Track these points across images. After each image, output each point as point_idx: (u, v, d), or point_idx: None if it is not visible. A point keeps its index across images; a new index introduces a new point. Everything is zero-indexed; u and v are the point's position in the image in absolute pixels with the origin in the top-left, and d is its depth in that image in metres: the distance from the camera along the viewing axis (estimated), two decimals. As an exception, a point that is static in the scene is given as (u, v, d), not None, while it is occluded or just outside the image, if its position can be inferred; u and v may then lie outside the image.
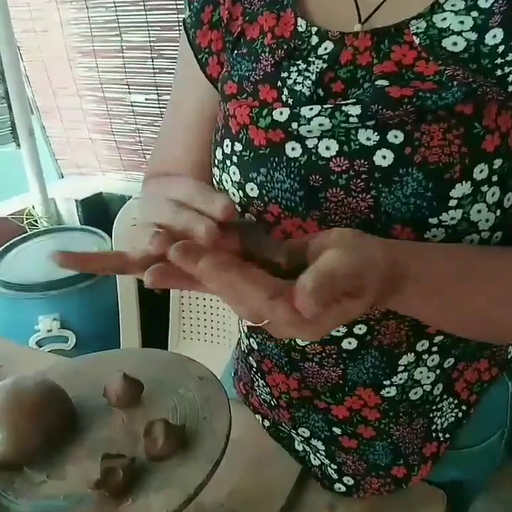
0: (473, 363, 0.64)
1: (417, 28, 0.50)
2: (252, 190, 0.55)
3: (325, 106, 0.50)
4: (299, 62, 0.54)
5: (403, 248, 0.45)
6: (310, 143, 0.51)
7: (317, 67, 0.53)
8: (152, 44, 1.92)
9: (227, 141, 0.57)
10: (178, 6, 1.79)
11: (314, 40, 0.54)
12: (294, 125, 0.51)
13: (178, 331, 1.72)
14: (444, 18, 0.49)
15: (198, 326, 1.71)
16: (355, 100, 0.49)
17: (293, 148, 0.52)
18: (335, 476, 0.67)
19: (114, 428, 0.52)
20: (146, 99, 2.05)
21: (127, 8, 1.90)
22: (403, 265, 0.42)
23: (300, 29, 0.55)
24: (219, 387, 0.55)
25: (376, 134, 0.49)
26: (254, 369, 0.71)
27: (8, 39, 1.95)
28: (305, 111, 0.50)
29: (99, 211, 2.20)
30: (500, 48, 0.47)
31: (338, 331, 0.58)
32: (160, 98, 2.01)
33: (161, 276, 0.38)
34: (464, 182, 0.47)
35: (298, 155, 0.52)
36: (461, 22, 0.49)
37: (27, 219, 2.16)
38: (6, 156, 2.23)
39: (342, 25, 0.53)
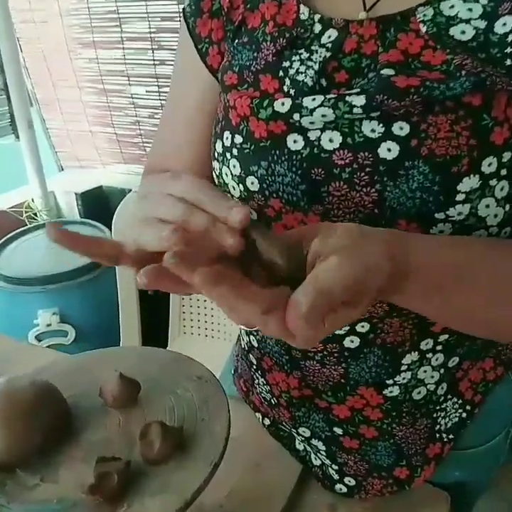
0: (479, 362, 0.62)
1: (424, 15, 0.48)
2: (253, 184, 0.54)
3: (328, 96, 0.48)
4: (302, 51, 0.52)
5: (405, 240, 0.43)
6: (312, 135, 0.50)
7: (320, 56, 0.51)
8: (152, 35, 1.90)
9: (227, 134, 0.56)
10: (179, -4, 1.77)
11: (317, 28, 0.52)
12: (296, 116, 0.49)
13: (179, 326, 1.72)
14: (452, 6, 0.48)
15: (198, 320, 1.71)
16: (359, 90, 0.47)
17: (295, 141, 0.51)
18: (336, 477, 0.66)
19: (110, 429, 0.51)
20: (146, 91, 2.03)
21: (127, -2, 1.88)
22: (402, 262, 0.40)
23: (303, 17, 0.53)
24: (218, 387, 0.54)
25: (381, 125, 0.47)
26: (254, 367, 0.69)
27: (7, 30, 1.93)
28: (307, 101, 0.49)
29: (99, 204, 2.19)
30: (510, 37, 0.45)
31: (340, 329, 0.56)
32: (160, 90, 1.99)
33: (156, 277, 0.37)
34: (471, 175, 0.46)
35: (300, 147, 0.50)
36: (470, 9, 0.47)
37: (26, 212, 2.15)
38: (5, 149, 2.21)
39: (346, 12, 0.52)
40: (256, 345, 0.67)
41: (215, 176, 0.60)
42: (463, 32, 0.47)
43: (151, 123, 2.10)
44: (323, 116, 0.48)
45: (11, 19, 1.95)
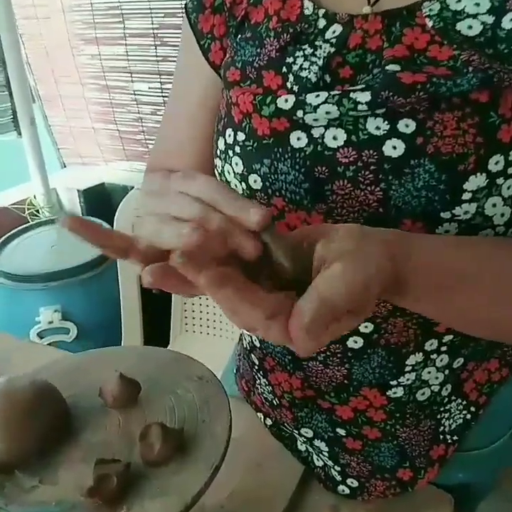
0: (484, 363, 0.62)
1: (430, 10, 0.47)
2: (255, 182, 0.53)
3: (332, 93, 0.47)
4: (306, 46, 0.51)
5: (407, 241, 0.42)
6: (316, 132, 0.49)
7: (324, 52, 0.50)
8: (155, 31, 1.89)
9: (229, 131, 0.55)
10: (182, -8, 1.76)
11: (322, 23, 0.51)
12: (300, 113, 0.48)
13: (180, 324, 1.71)
14: (459, 0, 0.47)
15: (201, 319, 1.70)
16: (364, 86, 0.46)
17: (298, 138, 0.50)
18: (338, 478, 0.65)
19: (110, 430, 0.50)
20: (149, 88, 2.02)
21: (130, -6, 1.87)
22: (402, 262, 0.40)
23: (307, 12, 0.52)
24: (219, 388, 0.53)
25: (386, 122, 0.46)
26: (256, 367, 0.69)
27: (10, 26, 1.92)
28: (311, 98, 0.48)
29: (101, 201, 2.18)
30: None
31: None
32: (163, 87, 1.98)
33: (161, 276, 0.36)
34: (478, 174, 0.45)
35: (303, 145, 0.49)
36: (477, 4, 0.46)
37: (28, 209, 2.14)
38: (7, 145, 2.20)
39: (350, 7, 0.50)
40: (258, 345, 0.66)
41: (217, 174, 0.59)
42: (470, 27, 0.46)
43: (154, 120, 2.09)
44: (327, 113, 0.47)
45: (13, 15, 1.94)
